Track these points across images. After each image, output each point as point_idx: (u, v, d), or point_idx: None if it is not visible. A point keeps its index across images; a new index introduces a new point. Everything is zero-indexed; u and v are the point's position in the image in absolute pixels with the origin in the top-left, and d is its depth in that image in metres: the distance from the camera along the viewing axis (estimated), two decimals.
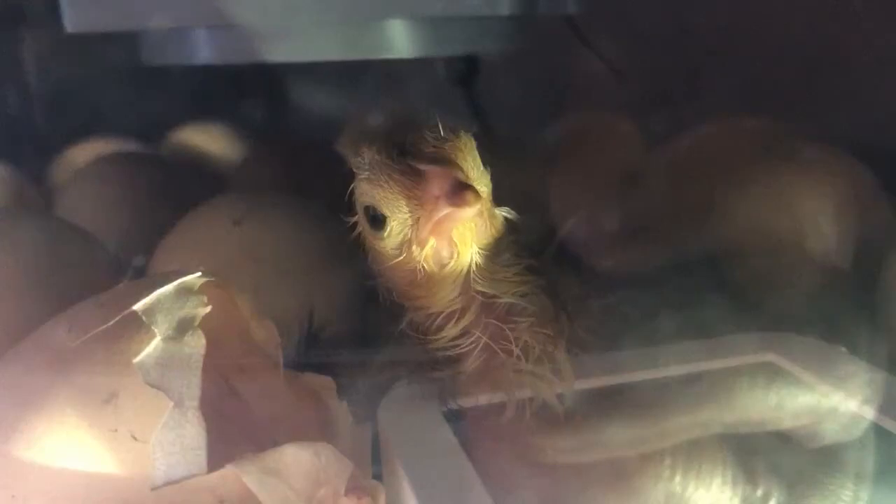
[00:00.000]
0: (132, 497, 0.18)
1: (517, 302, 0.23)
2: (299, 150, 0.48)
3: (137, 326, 0.19)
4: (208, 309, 0.20)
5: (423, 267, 0.22)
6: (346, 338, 0.28)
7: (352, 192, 0.23)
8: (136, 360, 0.18)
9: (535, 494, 0.23)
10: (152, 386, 0.18)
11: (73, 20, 0.30)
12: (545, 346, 0.23)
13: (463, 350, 0.23)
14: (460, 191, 0.20)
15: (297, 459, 0.19)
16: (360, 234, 0.24)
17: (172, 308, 0.19)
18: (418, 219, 0.21)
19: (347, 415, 0.24)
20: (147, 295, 0.20)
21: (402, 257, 0.22)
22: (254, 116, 0.62)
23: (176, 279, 0.20)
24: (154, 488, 0.18)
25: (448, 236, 0.22)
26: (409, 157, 0.21)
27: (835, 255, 0.30)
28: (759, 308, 0.27)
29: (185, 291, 0.20)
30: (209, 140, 0.54)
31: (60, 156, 0.50)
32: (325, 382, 0.24)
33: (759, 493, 0.23)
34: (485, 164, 0.22)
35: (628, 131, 0.46)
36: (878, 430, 0.23)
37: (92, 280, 0.28)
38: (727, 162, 0.37)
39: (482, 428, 0.24)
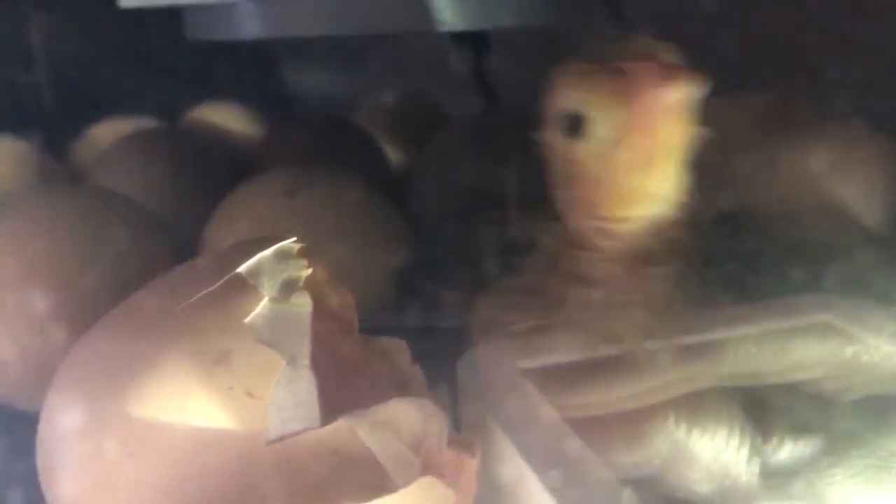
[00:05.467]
0: (249, 451, 0.19)
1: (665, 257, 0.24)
2: (320, 126, 0.48)
3: (243, 289, 0.20)
4: (310, 271, 0.20)
5: (617, 172, 0.23)
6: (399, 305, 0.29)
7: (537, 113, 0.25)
8: (247, 320, 0.19)
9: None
10: (265, 345, 0.19)
11: None
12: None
13: (603, 275, 0.24)
14: (671, 71, 0.21)
15: (404, 413, 0.20)
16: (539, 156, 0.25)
17: (275, 270, 0.20)
18: (625, 119, 0.22)
19: (422, 377, 0.25)
20: (245, 260, 0.20)
21: (599, 161, 0.23)
22: (263, 94, 0.62)
23: (270, 245, 0.21)
24: (270, 442, 0.19)
25: (654, 131, 0.22)
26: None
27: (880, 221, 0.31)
28: (806, 271, 0.28)
29: (285, 255, 0.21)
30: (226, 118, 0.54)
31: (82, 135, 0.50)
32: (397, 345, 0.25)
33: (772, 442, 0.24)
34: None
35: None
36: None
37: (155, 250, 0.29)
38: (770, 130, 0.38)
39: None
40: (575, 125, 0.23)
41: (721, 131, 0.40)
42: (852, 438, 0.25)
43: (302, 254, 0.22)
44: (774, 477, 0.24)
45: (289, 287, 0.20)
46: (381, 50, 0.58)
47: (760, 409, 0.25)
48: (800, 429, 0.24)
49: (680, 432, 0.23)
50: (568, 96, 0.23)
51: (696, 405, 0.24)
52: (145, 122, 0.50)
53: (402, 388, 0.25)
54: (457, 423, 0.25)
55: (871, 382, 0.25)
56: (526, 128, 0.45)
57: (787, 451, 0.24)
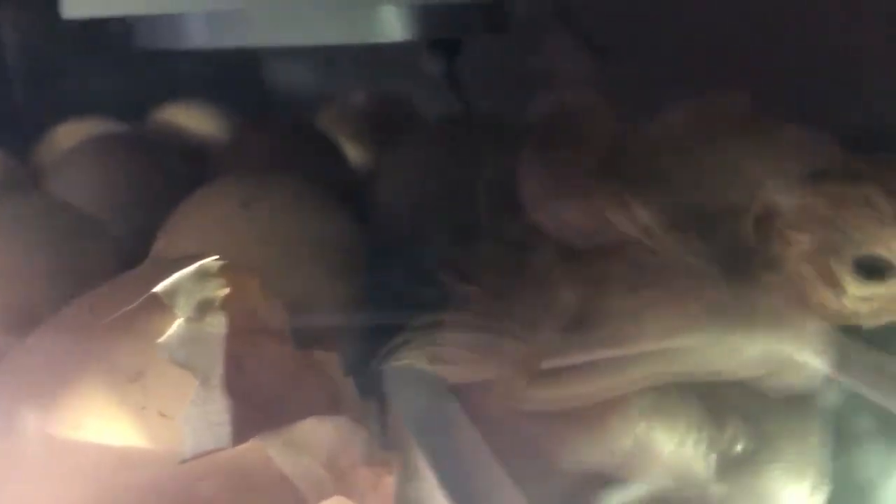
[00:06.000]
0: (162, 470, 0.19)
1: None
2: (286, 130, 0.48)
3: (160, 308, 0.20)
4: (227, 291, 0.21)
5: None
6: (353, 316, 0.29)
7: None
8: (161, 340, 0.19)
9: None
10: (177, 365, 0.19)
11: (70, 5, 0.30)
12: None
13: None
14: None
15: (318, 432, 0.20)
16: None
17: (193, 290, 0.20)
18: None
19: (353, 389, 0.25)
20: (166, 278, 0.20)
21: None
22: (234, 97, 0.62)
23: (192, 263, 0.21)
24: (182, 462, 0.19)
25: None
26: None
27: None
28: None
29: (204, 275, 0.21)
30: (191, 119, 0.54)
31: (44, 137, 0.50)
32: (329, 357, 0.25)
33: (727, 436, 0.24)
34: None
35: (606, 111, 0.47)
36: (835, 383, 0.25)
37: (99, 262, 0.29)
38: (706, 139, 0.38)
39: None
40: (873, 268, 0.20)
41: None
42: (784, 432, 0.25)
43: (225, 270, 0.22)
44: (726, 470, 0.24)
45: (204, 307, 0.20)
46: (352, 50, 0.58)
47: (714, 404, 0.25)
48: (748, 423, 0.25)
49: (641, 427, 0.24)
50: (864, 234, 0.20)
51: (657, 400, 0.24)
52: (110, 124, 0.50)
53: (333, 401, 0.25)
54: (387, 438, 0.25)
55: (801, 379, 0.26)
56: (497, 132, 0.45)
57: (740, 445, 0.25)
